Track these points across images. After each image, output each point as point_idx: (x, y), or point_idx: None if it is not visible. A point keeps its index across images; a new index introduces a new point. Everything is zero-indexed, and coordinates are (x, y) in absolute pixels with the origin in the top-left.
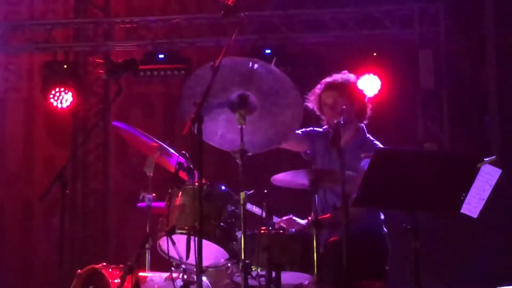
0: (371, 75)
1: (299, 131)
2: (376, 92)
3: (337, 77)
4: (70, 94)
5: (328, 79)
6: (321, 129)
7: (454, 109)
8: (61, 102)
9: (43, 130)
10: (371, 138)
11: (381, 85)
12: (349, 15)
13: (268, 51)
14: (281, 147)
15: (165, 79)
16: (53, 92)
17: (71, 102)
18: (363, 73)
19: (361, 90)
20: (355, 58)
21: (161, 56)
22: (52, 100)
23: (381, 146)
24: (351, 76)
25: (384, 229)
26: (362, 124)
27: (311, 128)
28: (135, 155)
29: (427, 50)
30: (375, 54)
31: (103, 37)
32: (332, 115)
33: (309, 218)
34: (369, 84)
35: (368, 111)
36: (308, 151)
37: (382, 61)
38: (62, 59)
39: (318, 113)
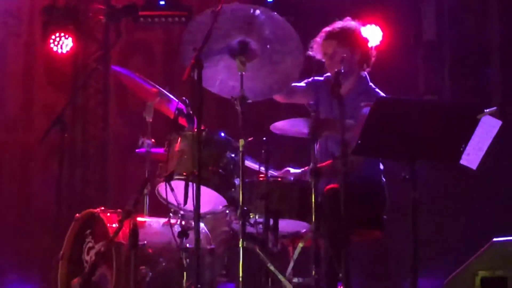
0: (373, 26)
1: (302, 83)
2: (377, 42)
3: (337, 25)
4: (70, 39)
5: (328, 28)
6: (322, 78)
7: (456, 61)
8: (61, 47)
9: (43, 75)
10: (373, 86)
11: (383, 36)
12: None
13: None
14: (286, 102)
15: (166, 26)
16: (53, 37)
17: (71, 47)
18: (364, 24)
19: (364, 38)
20: (356, 8)
21: (162, 2)
22: (52, 45)
23: (382, 94)
24: (353, 23)
25: (383, 178)
26: (365, 73)
27: (312, 78)
28: (135, 101)
29: (430, 1)
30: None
31: None
32: (332, 65)
33: (305, 168)
34: (370, 35)
35: (372, 59)
36: (311, 102)
37: (383, 12)
38: (62, 3)
39: (323, 60)
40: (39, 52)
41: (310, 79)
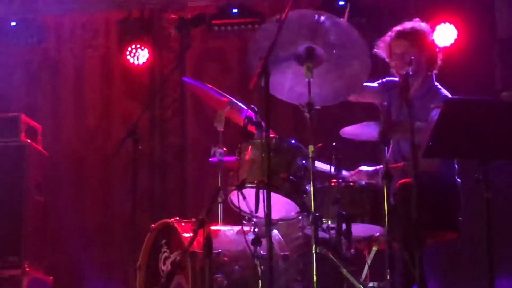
0: (447, 24)
1: (375, 83)
2: (452, 41)
3: (407, 25)
4: (146, 50)
5: (398, 28)
6: (396, 78)
7: None
8: (137, 59)
9: (121, 86)
10: (438, 86)
11: (457, 34)
12: None
13: (342, 2)
14: (357, 101)
15: (240, 33)
16: (129, 49)
17: (147, 58)
18: (438, 23)
19: (432, 40)
20: (430, 8)
21: (234, 10)
22: (128, 57)
23: (446, 93)
24: (423, 25)
25: (458, 179)
26: (433, 74)
27: (387, 79)
28: (212, 109)
29: None
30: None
31: None
32: (400, 65)
33: (377, 167)
34: (445, 34)
35: (439, 61)
36: (385, 103)
37: (457, 10)
38: (137, 16)
39: (387, 60)
40: (116, 64)
41: (384, 79)
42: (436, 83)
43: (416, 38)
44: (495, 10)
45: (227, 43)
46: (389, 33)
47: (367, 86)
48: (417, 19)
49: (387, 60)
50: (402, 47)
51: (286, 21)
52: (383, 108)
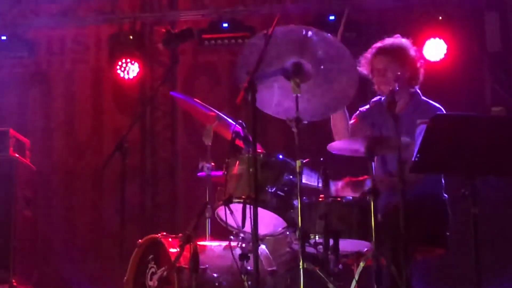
0: (437, 39)
1: (352, 120)
2: (442, 56)
3: (388, 41)
4: (136, 64)
5: (379, 44)
6: (367, 106)
7: None
8: (127, 73)
9: (111, 100)
10: (427, 100)
11: (447, 49)
12: None
13: (331, 17)
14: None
15: (230, 47)
16: (119, 63)
17: (137, 73)
18: (428, 37)
19: (413, 55)
20: (420, 23)
21: (225, 25)
22: (119, 71)
23: (438, 106)
24: (403, 41)
25: (445, 194)
26: (416, 88)
27: (359, 111)
28: (201, 123)
29: (494, 12)
30: (440, 17)
31: (168, 7)
32: (382, 82)
33: (365, 176)
34: (435, 48)
35: (421, 76)
36: (371, 128)
37: (447, 25)
38: (128, 29)
39: (369, 77)
40: (107, 78)
41: (356, 113)
42: (424, 97)
43: (396, 54)
44: (485, 24)
45: (218, 57)
46: (370, 49)
47: (352, 126)
48: (398, 35)
49: (369, 77)
50: (383, 63)
51: (273, 36)
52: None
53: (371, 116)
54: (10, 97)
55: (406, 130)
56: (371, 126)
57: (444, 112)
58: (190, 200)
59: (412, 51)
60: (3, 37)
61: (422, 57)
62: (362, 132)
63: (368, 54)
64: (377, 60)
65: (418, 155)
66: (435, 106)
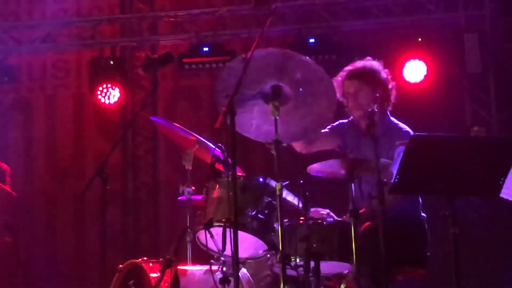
0: (417, 61)
1: (326, 129)
2: (422, 77)
3: (359, 64)
4: (117, 89)
5: (349, 67)
6: (346, 120)
7: (502, 92)
8: (108, 98)
9: (93, 125)
10: (396, 121)
11: (427, 70)
12: (393, 1)
13: (312, 40)
14: (314, 150)
15: (211, 71)
16: (100, 88)
17: (118, 98)
18: (408, 59)
19: (384, 77)
20: (400, 44)
21: (205, 49)
22: (100, 97)
23: (406, 128)
24: (374, 63)
25: (423, 214)
26: (386, 109)
27: (338, 122)
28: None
29: (473, 34)
30: (420, 39)
31: (148, 32)
32: (354, 106)
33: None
34: (415, 70)
35: (392, 98)
36: (340, 145)
37: (427, 46)
38: (108, 54)
39: (341, 100)
40: (88, 103)
41: (335, 123)
42: (392, 118)
43: (367, 77)
44: (465, 45)
45: (198, 81)
46: (341, 72)
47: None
48: (369, 57)
49: (340, 99)
50: (354, 87)
51: (252, 59)
52: (340, 149)
53: (345, 132)
54: None
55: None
56: (342, 143)
57: (412, 133)
58: (172, 224)
59: (383, 73)
60: None
61: (400, 79)
62: (325, 145)
63: (339, 77)
64: (348, 83)
65: (397, 177)
66: (403, 128)
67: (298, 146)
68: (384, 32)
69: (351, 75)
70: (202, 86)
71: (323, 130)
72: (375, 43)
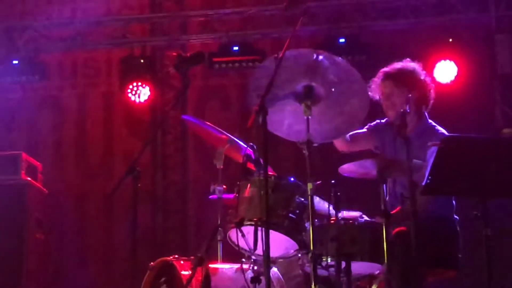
0: (447, 61)
1: (363, 129)
2: (452, 78)
3: (397, 66)
4: (147, 88)
5: (386, 68)
6: (384, 120)
7: None
8: (138, 96)
9: (122, 124)
10: (433, 124)
11: (458, 71)
12: (424, 1)
13: (342, 40)
14: (357, 149)
15: (240, 70)
16: (130, 86)
17: (148, 96)
18: (438, 60)
19: (422, 79)
20: (430, 45)
21: (235, 48)
22: (130, 95)
23: (443, 131)
24: (412, 64)
25: (455, 216)
26: (425, 111)
27: (376, 122)
28: (211, 147)
29: (504, 34)
30: (450, 40)
31: (178, 31)
32: (388, 106)
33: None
34: (446, 70)
35: (430, 99)
36: (378, 145)
37: (458, 47)
38: (139, 53)
39: (379, 101)
40: (118, 101)
41: (372, 123)
42: (430, 121)
43: (403, 78)
44: (495, 46)
45: (228, 80)
46: (379, 73)
47: (356, 133)
48: (408, 59)
49: (379, 100)
50: (390, 88)
51: (284, 59)
52: (377, 149)
53: (383, 132)
54: (22, 120)
55: (414, 153)
56: (380, 143)
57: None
58: (201, 223)
59: (420, 75)
60: (15, 61)
61: (432, 80)
62: (365, 145)
63: (377, 78)
64: (384, 84)
65: (429, 177)
66: (439, 130)
67: (340, 145)
68: (414, 32)
69: (386, 76)
70: (231, 86)
71: (361, 130)
72: (405, 43)
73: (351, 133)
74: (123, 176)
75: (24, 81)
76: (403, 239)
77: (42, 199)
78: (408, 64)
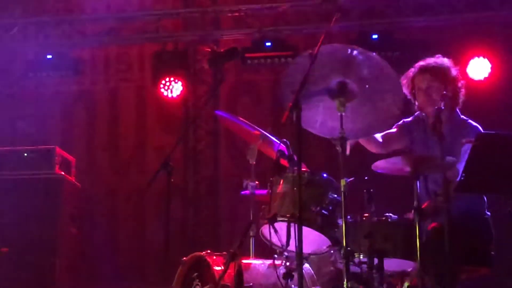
0: (481, 58)
1: (393, 129)
2: (486, 75)
3: (431, 60)
4: (179, 83)
5: (422, 63)
6: (410, 118)
7: None
8: (171, 91)
9: (154, 118)
10: (465, 118)
11: (492, 68)
12: None
13: (375, 36)
14: (390, 150)
15: (273, 66)
16: (163, 81)
17: (181, 91)
18: (472, 57)
19: (455, 75)
20: (464, 41)
21: (268, 44)
22: (162, 90)
23: (476, 125)
24: (445, 60)
25: (487, 212)
26: (456, 106)
27: (402, 120)
28: (243, 142)
29: None
30: (484, 36)
31: (211, 26)
32: (427, 101)
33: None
34: (479, 67)
35: (462, 96)
36: (408, 143)
37: (491, 44)
38: (171, 48)
39: (409, 97)
40: (150, 96)
41: (400, 123)
42: (462, 116)
43: (439, 73)
44: None
45: (260, 76)
46: (412, 69)
47: (388, 133)
48: (439, 55)
49: (408, 96)
50: (426, 82)
51: (318, 55)
52: (408, 148)
53: (411, 130)
54: (55, 115)
55: (447, 149)
56: (409, 141)
57: (482, 130)
58: (232, 218)
59: (454, 71)
60: (49, 56)
61: (464, 77)
62: (398, 145)
63: (410, 73)
64: (420, 78)
65: (463, 175)
66: (473, 124)
67: (373, 148)
68: (447, 29)
69: (424, 70)
70: (263, 81)
71: (391, 131)
72: (439, 40)
73: (382, 133)
74: (157, 170)
75: (58, 75)
76: (436, 236)
77: (76, 193)
78: (442, 59)
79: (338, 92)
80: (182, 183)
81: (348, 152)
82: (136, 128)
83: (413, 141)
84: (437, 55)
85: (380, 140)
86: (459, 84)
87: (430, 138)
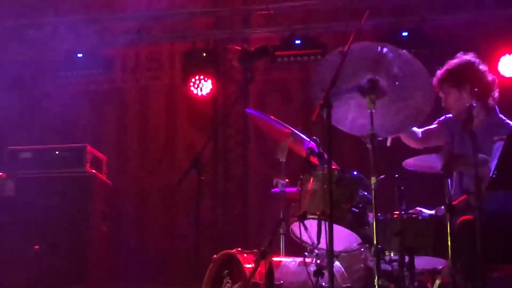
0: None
1: (434, 124)
2: None
3: (446, 67)
4: (209, 81)
5: (439, 71)
6: (450, 116)
7: None
8: (201, 90)
9: (184, 116)
10: (503, 118)
11: None
12: None
13: (404, 33)
14: (423, 146)
15: (302, 64)
16: (193, 80)
17: (210, 89)
18: (503, 54)
19: (477, 71)
20: (494, 38)
21: (297, 41)
22: (192, 88)
23: (510, 122)
24: (462, 60)
25: None
26: (494, 104)
27: (445, 116)
28: (273, 140)
29: None
30: None
31: (241, 25)
32: (446, 107)
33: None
34: (510, 64)
35: (493, 91)
36: (448, 140)
37: None
38: (201, 47)
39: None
40: (180, 94)
41: (441, 118)
42: (501, 115)
43: (453, 80)
44: None
45: (289, 74)
46: (438, 71)
47: (428, 128)
48: (460, 53)
49: (440, 96)
50: (443, 92)
51: (349, 53)
52: (447, 144)
53: (451, 126)
54: (86, 113)
55: (480, 146)
56: (450, 137)
57: None
58: (261, 216)
59: (475, 68)
60: (79, 55)
61: (495, 74)
62: (437, 140)
63: (438, 73)
64: (439, 85)
65: (495, 172)
66: (507, 123)
67: (412, 143)
68: (478, 26)
69: (439, 81)
70: (292, 79)
71: (432, 126)
72: (469, 37)
73: (422, 129)
74: (188, 168)
75: (88, 74)
76: (467, 232)
77: (107, 191)
78: (459, 61)
79: (368, 89)
80: (212, 182)
81: (389, 144)
82: (166, 126)
83: (453, 138)
84: (457, 54)
85: (420, 135)
86: (488, 79)
87: (464, 135)
